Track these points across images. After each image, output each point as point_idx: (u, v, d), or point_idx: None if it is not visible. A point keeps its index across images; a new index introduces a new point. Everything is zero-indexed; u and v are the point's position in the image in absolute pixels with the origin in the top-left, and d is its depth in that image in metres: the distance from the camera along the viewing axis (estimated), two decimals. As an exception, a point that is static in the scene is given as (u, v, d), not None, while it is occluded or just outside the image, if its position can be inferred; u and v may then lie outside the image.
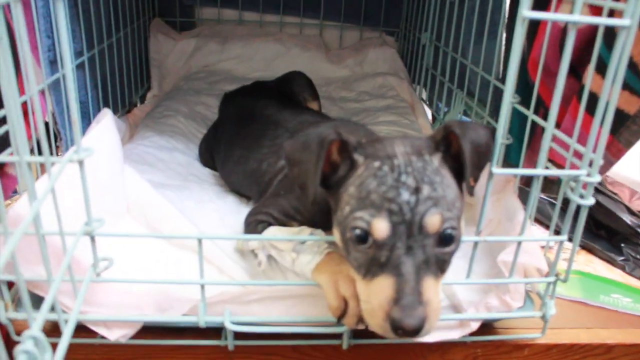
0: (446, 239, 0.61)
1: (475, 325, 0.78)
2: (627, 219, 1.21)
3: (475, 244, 0.74)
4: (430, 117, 1.59)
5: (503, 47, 1.14)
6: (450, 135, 0.65)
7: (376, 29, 1.86)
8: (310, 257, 0.73)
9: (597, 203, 1.19)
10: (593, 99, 0.76)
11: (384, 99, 1.58)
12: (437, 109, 1.59)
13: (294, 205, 0.83)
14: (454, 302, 0.80)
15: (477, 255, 0.93)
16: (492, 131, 0.68)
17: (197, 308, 0.70)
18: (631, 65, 0.72)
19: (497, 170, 0.68)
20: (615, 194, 1.30)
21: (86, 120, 1.07)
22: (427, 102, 1.65)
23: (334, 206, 0.67)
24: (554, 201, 1.26)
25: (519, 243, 0.75)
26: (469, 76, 1.26)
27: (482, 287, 0.83)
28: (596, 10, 0.77)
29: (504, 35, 1.14)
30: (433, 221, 0.59)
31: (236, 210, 0.95)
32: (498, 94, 1.11)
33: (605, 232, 1.24)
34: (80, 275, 0.66)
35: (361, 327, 0.69)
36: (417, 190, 0.60)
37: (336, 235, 0.67)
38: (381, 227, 0.59)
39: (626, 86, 0.74)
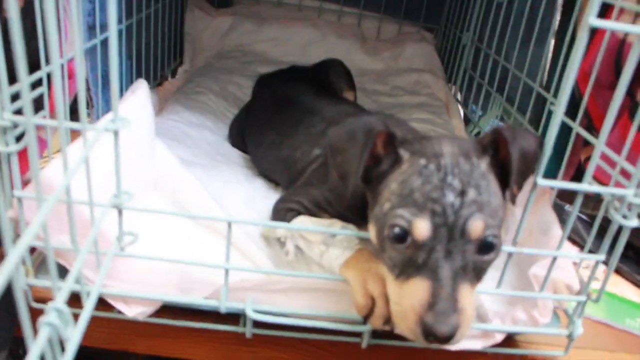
0: (487, 247, 0.59)
1: (499, 337, 0.76)
2: (655, 239, 1.17)
3: (510, 254, 0.71)
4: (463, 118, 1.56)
5: (550, 55, 1.11)
6: (499, 139, 0.62)
7: (415, 24, 1.82)
8: (340, 251, 0.71)
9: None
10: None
11: (418, 95, 1.55)
12: (472, 112, 1.56)
13: (326, 196, 0.80)
14: (480, 312, 0.77)
15: (501, 266, 0.91)
16: (541, 140, 0.65)
17: (219, 292, 0.69)
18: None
19: (543, 181, 0.66)
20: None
21: (106, 92, 1.06)
22: (462, 104, 1.62)
23: (372, 201, 0.65)
24: (584, 217, 1.22)
25: (554, 258, 0.72)
26: (510, 82, 1.22)
27: (509, 299, 0.81)
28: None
29: (552, 42, 1.11)
30: (476, 227, 0.57)
31: (264, 195, 0.94)
32: (540, 102, 1.07)
33: (633, 253, 1.21)
34: (104, 248, 0.65)
35: (386, 328, 0.67)
36: (462, 193, 0.58)
37: (372, 232, 0.65)
38: (422, 228, 0.57)
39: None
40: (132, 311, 0.69)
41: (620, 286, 1.15)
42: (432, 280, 0.56)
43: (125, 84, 1.08)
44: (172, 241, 0.77)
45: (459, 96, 1.64)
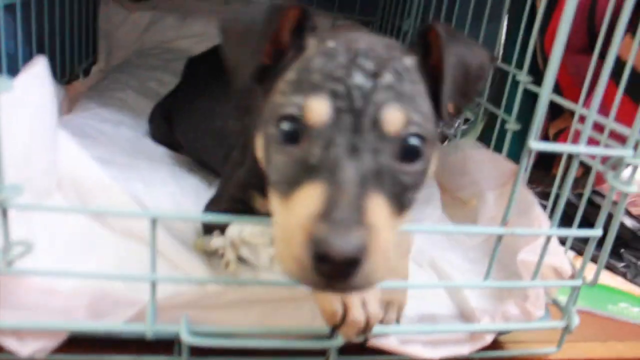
0: (409, 151, 0.45)
1: (489, 339, 0.65)
2: (628, 222, 1.12)
3: (499, 237, 0.60)
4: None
5: (504, 29, 1.02)
6: (431, 37, 0.49)
7: (350, 16, 1.72)
8: None
9: (596, 206, 1.09)
10: (634, 77, 0.65)
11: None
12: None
13: (253, 171, 0.61)
14: (465, 310, 0.66)
15: (480, 257, 0.81)
16: (492, 57, 0.54)
17: (144, 313, 0.53)
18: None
19: (535, 144, 0.55)
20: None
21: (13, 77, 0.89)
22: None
23: (262, 105, 0.51)
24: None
25: (548, 238, 0.62)
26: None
27: (496, 294, 0.70)
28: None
29: (506, 20, 1.03)
30: (393, 117, 0.44)
31: (194, 196, 0.79)
32: (498, 79, 0.99)
33: (604, 236, 1.15)
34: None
35: (360, 340, 0.53)
36: (375, 75, 0.45)
37: (258, 147, 0.50)
38: (318, 109, 0.43)
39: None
40: (28, 348, 0.52)
41: (594, 271, 1.09)
42: (328, 184, 0.41)
43: (22, 66, 0.91)
44: (79, 252, 0.61)
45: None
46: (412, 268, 0.74)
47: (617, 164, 0.59)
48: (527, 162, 0.58)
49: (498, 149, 0.92)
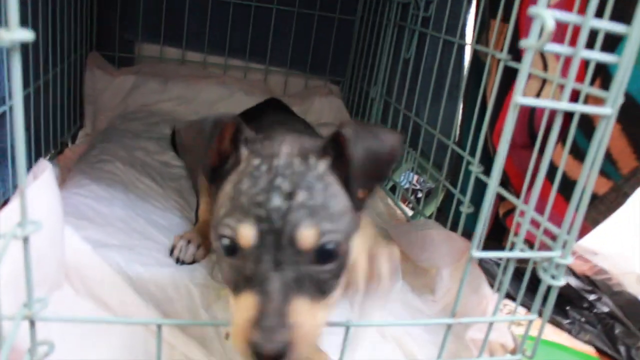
0: (325, 256, 0.54)
1: (445, 407, 0.75)
2: (573, 282, 1.24)
3: (449, 326, 0.71)
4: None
5: (461, 111, 1.15)
6: (339, 139, 0.56)
7: (322, 77, 1.84)
8: None
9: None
10: (564, 179, 0.77)
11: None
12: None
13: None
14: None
15: (438, 329, 0.91)
16: (401, 138, 0.60)
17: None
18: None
19: (477, 253, 0.66)
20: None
21: (15, 166, 0.97)
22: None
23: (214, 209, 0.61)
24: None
25: (491, 323, 0.73)
26: (424, 136, 1.25)
27: (450, 366, 0.80)
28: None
29: (462, 99, 1.15)
30: (306, 235, 0.52)
31: (190, 276, 0.87)
32: (454, 156, 1.10)
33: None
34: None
35: None
36: (290, 196, 0.53)
37: (213, 239, 0.60)
38: (246, 235, 0.52)
39: (598, 169, 0.75)
40: None
41: (546, 331, 1.19)
42: (259, 295, 0.51)
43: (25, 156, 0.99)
44: (93, 341, 0.70)
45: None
46: (377, 339, 0.84)
47: (548, 262, 0.70)
48: (469, 268, 0.68)
49: (456, 218, 1.03)
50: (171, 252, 0.95)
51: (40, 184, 0.72)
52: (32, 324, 0.57)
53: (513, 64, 0.81)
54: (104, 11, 1.62)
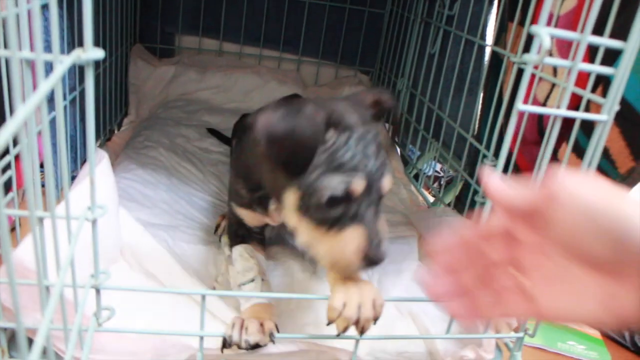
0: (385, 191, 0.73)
1: (451, 377, 0.84)
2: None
3: (458, 304, 0.80)
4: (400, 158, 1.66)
5: (480, 107, 1.21)
6: (382, 103, 0.78)
7: (352, 67, 1.91)
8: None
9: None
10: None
11: (358, 139, 1.63)
12: (410, 152, 1.66)
13: (241, 184, 0.90)
14: (432, 351, 0.85)
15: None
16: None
17: (195, 357, 0.73)
18: (603, 150, 0.79)
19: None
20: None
21: (73, 154, 1.08)
22: (399, 144, 1.72)
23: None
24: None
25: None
26: (445, 128, 1.32)
27: (457, 341, 0.89)
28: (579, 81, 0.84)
29: (481, 94, 1.22)
30: (386, 184, 0.72)
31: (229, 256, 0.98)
32: (474, 150, 1.18)
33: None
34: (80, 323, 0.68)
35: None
36: (377, 157, 0.70)
37: (289, 199, 0.72)
38: (359, 184, 0.68)
39: (597, 167, 0.81)
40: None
41: (552, 312, 1.27)
42: (364, 226, 0.69)
43: (80, 145, 1.10)
44: (146, 308, 0.80)
45: (395, 136, 1.74)
46: (394, 315, 0.93)
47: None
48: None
49: (473, 206, 1.11)
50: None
51: (99, 172, 0.83)
52: (98, 292, 0.68)
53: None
54: (146, 7, 1.72)
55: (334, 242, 0.70)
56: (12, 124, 0.35)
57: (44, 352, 0.50)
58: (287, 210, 0.74)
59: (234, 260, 0.90)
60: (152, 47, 1.78)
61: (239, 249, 0.92)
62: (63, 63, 0.51)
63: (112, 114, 1.45)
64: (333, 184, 0.68)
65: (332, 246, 0.71)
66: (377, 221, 0.70)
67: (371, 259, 0.69)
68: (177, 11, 1.75)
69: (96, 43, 1.21)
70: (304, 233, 0.73)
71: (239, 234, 0.95)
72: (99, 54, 0.53)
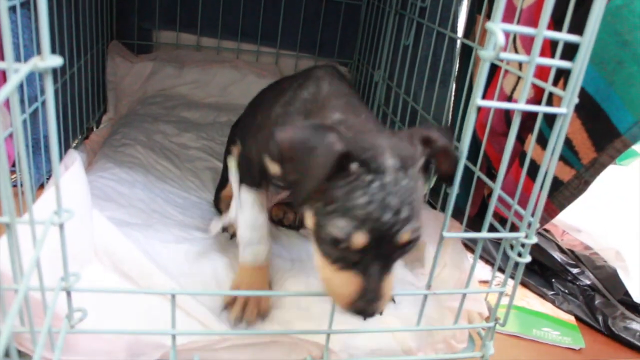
0: (410, 244, 0.68)
1: (425, 368, 0.86)
2: (557, 256, 1.32)
3: (425, 296, 0.81)
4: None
5: (452, 98, 1.23)
6: (429, 142, 0.72)
7: (330, 59, 1.92)
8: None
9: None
10: (533, 165, 0.85)
11: (337, 131, 1.64)
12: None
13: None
14: (404, 348, 0.87)
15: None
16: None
17: (169, 354, 0.74)
18: (566, 141, 0.81)
19: (447, 234, 0.76)
20: (547, 231, 1.42)
21: (48, 154, 1.08)
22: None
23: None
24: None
25: (464, 295, 0.83)
26: (419, 119, 1.33)
27: (429, 333, 0.90)
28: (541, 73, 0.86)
29: (454, 86, 1.23)
30: (404, 238, 0.66)
31: (204, 253, 0.98)
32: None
33: (538, 267, 1.35)
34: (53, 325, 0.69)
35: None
36: (398, 212, 0.64)
37: (309, 219, 0.70)
38: (360, 240, 0.64)
39: (561, 157, 0.83)
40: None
41: (527, 298, 1.29)
42: (363, 276, 0.66)
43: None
44: (118, 308, 0.81)
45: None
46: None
47: (514, 243, 0.79)
48: (441, 247, 0.78)
49: (446, 197, 1.13)
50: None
51: (71, 175, 0.83)
52: (69, 294, 0.69)
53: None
54: (123, 2, 1.71)
55: (333, 277, 0.69)
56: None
57: (7, 354, 0.51)
58: (307, 222, 0.72)
59: (244, 204, 0.91)
60: (129, 43, 1.77)
61: (252, 195, 0.92)
62: (19, 72, 0.51)
63: (90, 112, 1.45)
64: (337, 227, 0.65)
65: (331, 280, 0.70)
66: (381, 276, 0.67)
67: (359, 311, 0.67)
68: (153, 6, 1.74)
69: (70, 39, 1.22)
70: (316, 253, 0.72)
71: (254, 175, 0.91)
72: (57, 61, 0.54)
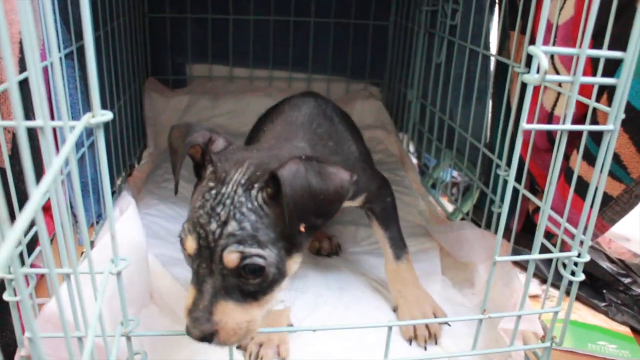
0: (249, 273, 0.65)
1: (483, 392, 0.84)
2: (607, 266, 1.29)
3: (480, 321, 0.80)
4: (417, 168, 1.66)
5: (489, 115, 1.22)
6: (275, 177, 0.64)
7: (362, 80, 1.93)
8: None
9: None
10: (580, 182, 0.84)
11: (373, 152, 1.63)
12: (426, 160, 1.66)
13: None
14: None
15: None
16: (350, 179, 0.67)
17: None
18: (614, 156, 0.80)
19: (500, 258, 0.75)
20: (596, 242, 1.39)
21: (95, 195, 1.11)
22: (415, 154, 1.72)
23: None
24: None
25: (519, 317, 0.82)
26: (458, 136, 1.33)
27: (485, 355, 0.89)
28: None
29: (490, 103, 1.22)
30: (230, 258, 0.63)
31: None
32: (487, 158, 1.18)
33: (587, 278, 1.32)
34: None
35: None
36: (224, 224, 0.64)
37: None
38: (189, 246, 0.66)
39: (610, 173, 0.82)
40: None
41: (579, 311, 1.26)
42: (196, 291, 0.66)
43: (101, 187, 1.13)
44: (174, 349, 0.83)
45: (410, 146, 1.74)
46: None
47: (567, 262, 0.78)
48: (494, 271, 0.77)
49: (490, 214, 1.12)
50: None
51: (127, 219, 0.86)
52: (129, 339, 0.70)
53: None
54: (156, 40, 1.76)
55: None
56: (29, 209, 0.37)
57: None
58: None
59: None
60: (164, 78, 1.82)
61: None
62: (73, 130, 0.53)
63: (131, 149, 1.49)
64: (181, 232, 0.68)
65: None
66: (215, 297, 0.64)
67: (187, 329, 0.65)
68: (186, 41, 1.78)
69: (110, 82, 1.25)
70: None
71: None
72: (107, 116, 0.56)
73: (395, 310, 0.97)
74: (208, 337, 0.64)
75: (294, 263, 0.70)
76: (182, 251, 0.69)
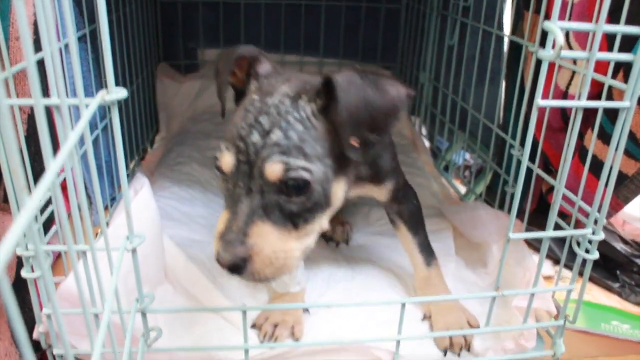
0: (292, 189, 0.59)
1: (495, 369, 0.85)
2: (621, 247, 1.29)
3: (493, 298, 0.80)
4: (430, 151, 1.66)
5: (503, 95, 1.21)
6: (331, 85, 0.59)
7: (373, 64, 1.92)
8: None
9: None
10: (595, 160, 0.83)
11: (386, 135, 1.64)
12: (439, 143, 1.66)
13: None
14: (472, 351, 0.86)
15: (487, 299, 1.00)
16: (408, 93, 0.61)
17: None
18: (629, 134, 0.79)
19: (514, 235, 0.75)
20: (610, 223, 1.38)
21: (109, 178, 1.12)
22: (427, 137, 1.72)
23: None
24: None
25: (532, 295, 0.82)
26: (471, 117, 1.32)
27: (497, 333, 0.89)
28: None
29: (503, 83, 1.21)
30: (273, 169, 0.58)
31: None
32: (500, 139, 1.17)
33: (601, 259, 1.31)
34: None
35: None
36: (267, 134, 0.59)
37: None
38: (226, 162, 0.60)
39: (625, 151, 0.81)
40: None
41: (592, 292, 1.26)
42: (231, 213, 0.60)
43: (115, 169, 1.14)
44: (189, 326, 0.84)
45: (423, 129, 1.74)
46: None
47: (581, 240, 0.78)
48: (507, 249, 0.77)
49: (503, 195, 1.11)
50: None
51: (141, 199, 0.86)
52: (144, 315, 0.71)
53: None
54: (168, 25, 1.76)
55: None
56: (46, 180, 0.37)
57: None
58: None
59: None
60: (176, 63, 1.82)
61: None
62: (89, 107, 0.54)
63: (144, 133, 1.50)
64: (216, 151, 0.62)
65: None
66: (250, 217, 0.59)
67: (217, 256, 0.59)
68: (197, 26, 1.78)
69: (123, 67, 1.26)
70: None
71: None
72: (122, 93, 0.57)
73: (425, 318, 0.91)
74: (240, 265, 0.58)
75: (340, 189, 0.64)
76: (216, 175, 0.63)
